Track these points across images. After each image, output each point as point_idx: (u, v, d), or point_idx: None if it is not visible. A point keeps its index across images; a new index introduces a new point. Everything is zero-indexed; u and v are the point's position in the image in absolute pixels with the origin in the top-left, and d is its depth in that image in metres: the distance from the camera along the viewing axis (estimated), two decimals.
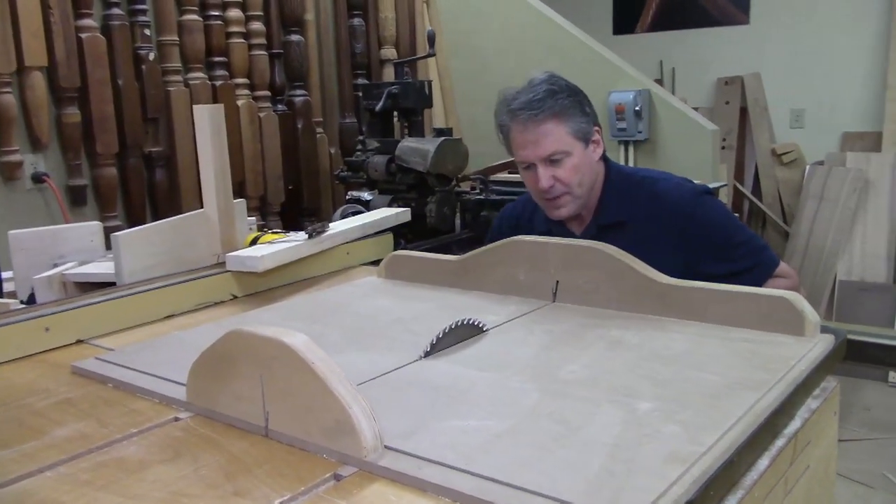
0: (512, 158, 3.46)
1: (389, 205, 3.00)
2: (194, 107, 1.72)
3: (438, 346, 1.15)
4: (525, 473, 0.76)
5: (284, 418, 0.89)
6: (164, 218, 2.80)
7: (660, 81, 4.94)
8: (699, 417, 0.88)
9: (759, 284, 1.54)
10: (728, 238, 1.65)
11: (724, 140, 4.67)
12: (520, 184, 3.07)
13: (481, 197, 3.17)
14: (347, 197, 3.23)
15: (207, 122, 1.69)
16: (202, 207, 2.26)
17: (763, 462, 0.88)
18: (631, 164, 3.53)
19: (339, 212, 3.07)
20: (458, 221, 3.20)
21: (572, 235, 1.72)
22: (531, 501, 0.72)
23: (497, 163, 3.35)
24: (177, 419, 0.99)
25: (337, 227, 1.78)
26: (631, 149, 3.53)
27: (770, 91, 4.80)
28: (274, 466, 0.84)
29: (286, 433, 0.89)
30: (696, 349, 1.12)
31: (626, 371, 1.05)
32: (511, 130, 1.69)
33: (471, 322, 1.22)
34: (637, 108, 3.33)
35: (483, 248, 1.50)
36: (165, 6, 2.87)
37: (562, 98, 1.64)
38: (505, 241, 1.46)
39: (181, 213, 2.77)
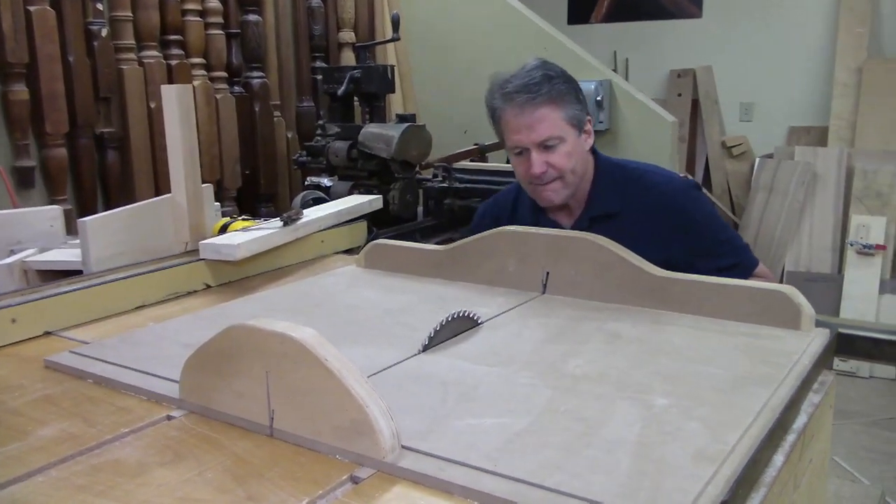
0: (475, 146, 3.43)
1: (350, 191, 2.94)
2: (162, 87, 1.64)
3: (436, 340, 1.12)
4: (554, 474, 0.74)
5: (292, 417, 0.85)
6: (116, 203, 2.71)
7: (614, 72, 4.97)
8: (717, 414, 0.88)
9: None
10: (715, 235, 1.65)
11: None
12: (484, 171, 3.05)
13: (444, 185, 3.13)
14: (306, 183, 3.16)
15: (176, 103, 1.61)
16: (157, 192, 2.17)
17: (779, 458, 0.87)
18: None
19: (299, 198, 2.99)
20: (420, 209, 3.16)
21: (561, 228, 1.70)
22: None
23: (460, 150, 3.32)
24: (170, 417, 0.93)
25: (311, 214, 1.73)
26: None
27: (721, 84, 4.87)
28: (285, 468, 0.80)
29: (293, 433, 0.85)
30: (697, 343, 1.11)
31: (632, 366, 1.03)
32: (504, 114, 1.64)
33: (466, 314, 1.19)
34: (598, 99, 3.33)
35: (470, 238, 1.47)
36: None
37: (558, 83, 1.61)
38: (493, 231, 1.43)
39: (134, 198, 2.68)
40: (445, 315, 1.14)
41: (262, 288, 1.51)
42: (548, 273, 1.36)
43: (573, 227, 1.68)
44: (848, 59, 4.28)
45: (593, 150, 1.73)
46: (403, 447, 0.80)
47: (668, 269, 1.29)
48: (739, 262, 1.64)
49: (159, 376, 1.02)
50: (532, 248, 1.38)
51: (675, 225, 1.63)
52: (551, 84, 1.60)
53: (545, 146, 1.61)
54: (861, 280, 3.79)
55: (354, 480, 0.78)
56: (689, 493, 0.71)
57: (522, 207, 1.78)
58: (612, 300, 1.30)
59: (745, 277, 1.60)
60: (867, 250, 3.75)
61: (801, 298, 1.16)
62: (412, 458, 0.79)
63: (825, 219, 4.04)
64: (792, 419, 0.95)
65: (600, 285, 1.31)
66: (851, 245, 3.81)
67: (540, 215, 1.74)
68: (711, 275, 1.41)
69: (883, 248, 3.74)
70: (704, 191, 1.69)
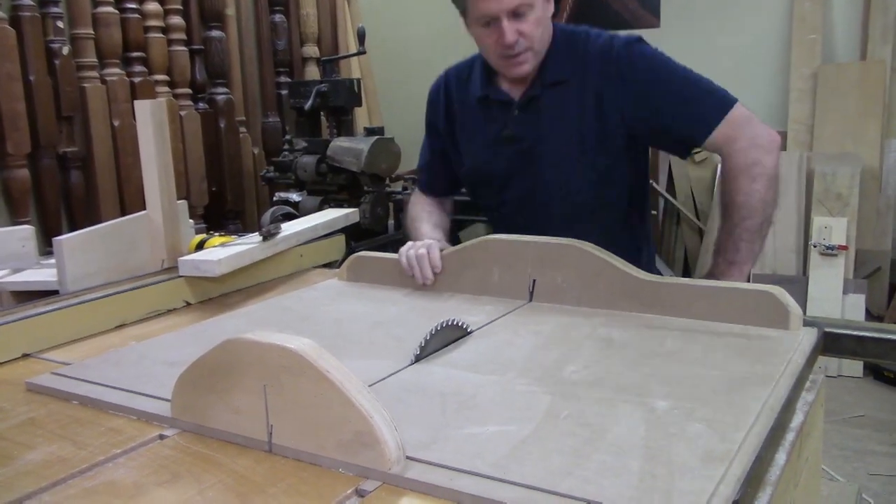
0: None
1: (320, 206, 2.93)
2: (136, 102, 1.61)
3: (427, 349, 1.11)
4: (566, 480, 0.73)
5: (292, 431, 0.83)
6: (81, 223, 2.65)
7: None
8: (719, 415, 0.88)
9: (717, 120, 1.50)
10: (671, 73, 1.57)
11: None
12: None
13: None
14: (275, 198, 3.13)
15: (150, 118, 1.59)
16: (122, 212, 2.12)
17: (781, 457, 0.88)
18: None
19: (268, 213, 2.97)
20: (391, 222, 3.15)
21: (510, 99, 1.63)
22: None
23: None
24: (162, 437, 0.91)
25: (290, 228, 1.71)
26: None
27: None
28: (288, 484, 0.78)
29: (294, 447, 0.83)
30: (689, 346, 1.11)
31: (627, 370, 1.03)
32: None
33: (455, 323, 1.18)
34: None
35: (454, 248, 1.47)
36: None
37: None
38: (477, 241, 1.43)
39: (100, 218, 2.63)
40: (434, 325, 1.13)
41: (244, 304, 1.48)
42: (534, 281, 1.36)
43: (523, 97, 1.61)
44: (802, 66, 4.38)
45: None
46: (408, 458, 0.79)
47: (631, 141, 1.36)
48: (711, 92, 1.55)
49: (148, 395, 1.00)
50: (517, 256, 1.38)
51: (624, 77, 1.55)
52: None
53: (515, 14, 1.52)
54: (825, 281, 3.86)
55: (360, 494, 0.76)
56: (702, 493, 0.70)
57: (472, 81, 1.71)
58: (599, 306, 1.30)
59: (718, 120, 1.52)
60: (830, 251, 3.82)
61: (788, 299, 1.17)
62: (419, 469, 0.78)
63: (788, 222, 4.11)
64: (790, 418, 0.96)
65: (588, 291, 1.31)
66: (815, 247, 3.88)
67: (489, 87, 1.67)
68: (684, 121, 1.51)
69: (845, 248, 3.81)
70: (657, 52, 1.60)
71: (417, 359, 1.09)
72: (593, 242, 1.36)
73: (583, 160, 1.59)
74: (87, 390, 1.03)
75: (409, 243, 1.53)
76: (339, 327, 1.27)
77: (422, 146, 1.89)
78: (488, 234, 1.47)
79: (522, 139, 1.62)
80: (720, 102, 1.54)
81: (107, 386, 1.04)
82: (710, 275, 1.55)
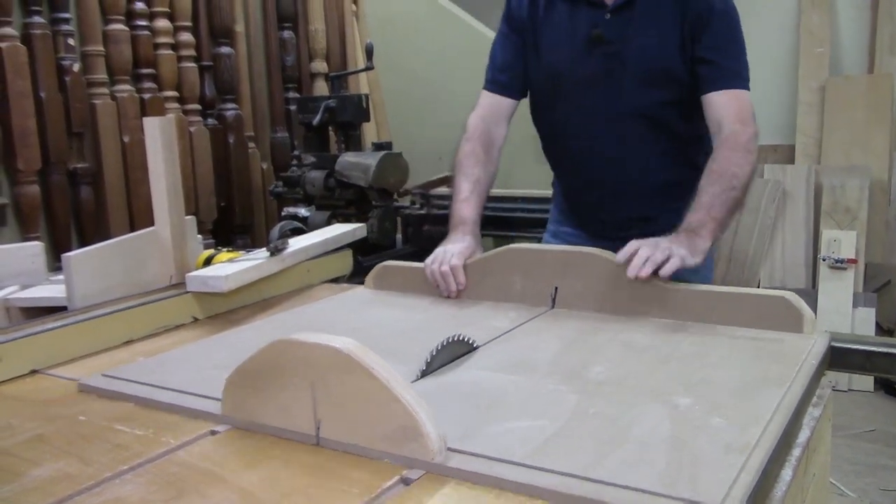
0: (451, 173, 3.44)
1: (329, 220, 2.94)
2: (144, 119, 1.63)
3: (433, 365, 1.11)
4: (597, 469, 0.77)
5: (338, 426, 0.87)
6: (91, 239, 2.67)
7: None
8: (738, 412, 0.91)
9: (730, 86, 1.57)
10: (731, 25, 1.64)
11: None
12: None
13: (422, 211, 3.14)
14: (283, 213, 3.14)
15: (158, 135, 1.60)
16: (132, 227, 2.13)
17: (787, 473, 0.88)
18: None
19: (276, 228, 2.98)
20: (398, 237, 3.16)
21: (602, 0, 1.64)
22: (614, 493, 0.73)
23: (436, 177, 3.33)
24: (214, 432, 0.95)
25: (297, 243, 1.72)
26: None
27: None
28: (338, 473, 0.83)
29: (341, 440, 0.87)
30: (708, 350, 1.15)
31: (650, 372, 1.06)
32: None
33: (461, 339, 1.18)
34: None
35: (478, 258, 1.51)
36: (90, 15, 2.73)
37: None
38: (499, 249, 1.46)
39: (109, 234, 2.65)
40: (441, 340, 1.14)
41: (251, 319, 1.49)
42: (556, 288, 1.38)
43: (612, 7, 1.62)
44: (810, 78, 4.38)
45: None
46: (449, 449, 0.83)
47: (679, 52, 1.54)
48: (738, 72, 1.61)
49: (198, 395, 1.04)
50: (539, 264, 1.41)
51: (686, 6, 1.59)
52: None
53: None
54: (835, 294, 3.84)
55: (405, 482, 0.81)
56: (725, 480, 0.75)
57: None
58: (620, 312, 1.33)
59: (731, 87, 1.58)
60: (839, 265, 3.81)
61: (801, 303, 1.21)
62: (459, 459, 0.82)
63: (797, 235, 4.10)
64: (796, 433, 0.96)
65: (609, 298, 1.35)
66: (824, 260, 3.87)
67: None
68: (706, 65, 1.57)
69: (854, 261, 3.80)
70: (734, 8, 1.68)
71: (423, 374, 1.09)
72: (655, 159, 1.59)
73: (661, 73, 1.62)
74: (136, 390, 1.08)
75: (434, 254, 1.55)
76: (368, 333, 1.28)
77: (493, 46, 1.84)
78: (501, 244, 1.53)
79: (611, 42, 1.62)
80: (743, 79, 1.61)
81: (157, 387, 1.08)
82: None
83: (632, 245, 1.35)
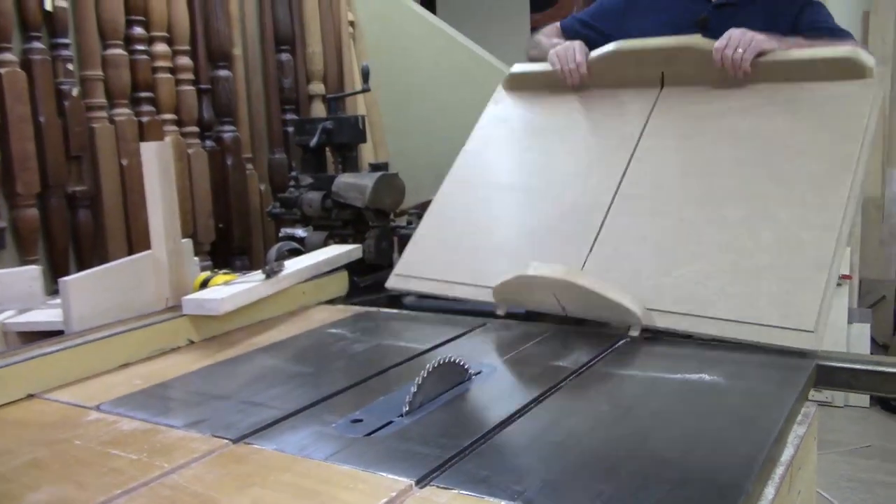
0: None
1: (326, 241, 2.95)
2: (141, 144, 1.65)
3: (418, 398, 1.10)
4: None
5: (574, 306, 1.49)
6: (90, 262, 2.68)
7: None
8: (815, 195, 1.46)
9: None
10: (822, 13, 1.90)
11: None
12: None
13: None
14: (281, 234, 3.16)
15: (155, 159, 1.63)
16: (130, 251, 2.14)
17: (770, 491, 0.89)
18: None
19: (274, 249, 3.00)
20: (396, 256, 3.17)
21: None
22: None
23: (434, 196, 3.34)
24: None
25: (292, 265, 1.74)
26: None
27: None
28: (330, 497, 0.85)
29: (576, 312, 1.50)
30: (768, 123, 1.58)
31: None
32: None
33: (453, 361, 1.19)
34: None
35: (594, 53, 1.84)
36: (89, 40, 2.76)
37: None
38: (609, 49, 1.79)
39: (108, 257, 2.66)
40: (430, 364, 1.15)
41: (247, 340, 1.51)
42: (663, 73, 1.75)
43: None
44: None
45: None
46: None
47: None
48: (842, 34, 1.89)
49: (479, 285, 1.65)
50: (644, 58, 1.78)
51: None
52: None
53: None
54: (830, 310, 3.86)
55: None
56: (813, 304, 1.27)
57: None
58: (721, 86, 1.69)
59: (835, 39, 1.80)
60: None
61: (860, 54, 1.59)
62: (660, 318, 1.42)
63: None
64: (780, 451, 0.97)
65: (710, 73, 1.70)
66: None
67: None
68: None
69: (849, 277, 3.82)
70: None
71: (410, 406, 1.08)
72: None
73: None
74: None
75: (555, 49, 1.85)
76: None
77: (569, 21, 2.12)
78: None
79: (716, 29, 1.74)
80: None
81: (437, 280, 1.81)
82: None
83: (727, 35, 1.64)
